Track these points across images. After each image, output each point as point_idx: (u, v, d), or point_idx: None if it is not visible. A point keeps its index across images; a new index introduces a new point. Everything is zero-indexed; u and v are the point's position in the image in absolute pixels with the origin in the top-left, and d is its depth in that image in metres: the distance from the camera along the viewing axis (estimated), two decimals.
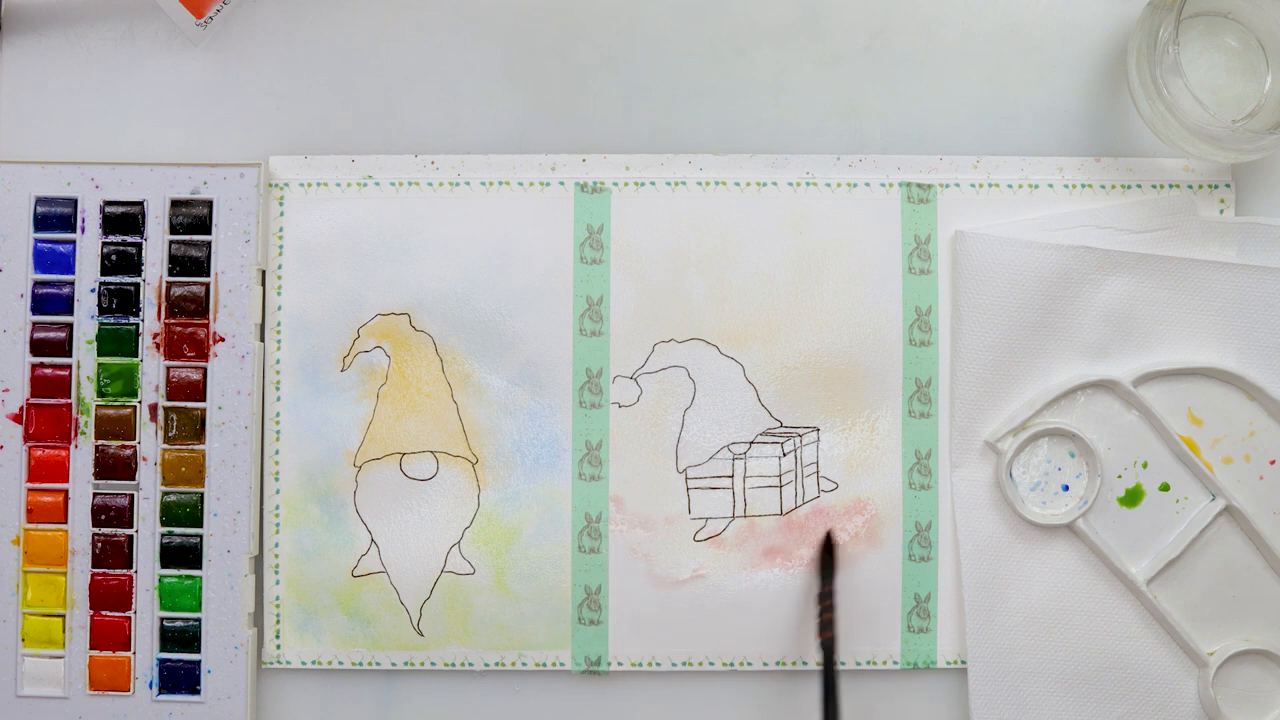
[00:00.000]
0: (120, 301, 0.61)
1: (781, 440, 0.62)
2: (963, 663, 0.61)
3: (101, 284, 0.61)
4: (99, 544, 0.61)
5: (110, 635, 0.61)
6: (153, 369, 0.61)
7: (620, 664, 0.61)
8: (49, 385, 0.61)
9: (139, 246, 0.61)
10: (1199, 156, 0.60)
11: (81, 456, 0.61)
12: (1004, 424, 0.61)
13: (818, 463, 0.62)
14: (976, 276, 0.61)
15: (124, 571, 0.61)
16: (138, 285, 0.61)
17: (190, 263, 0.61)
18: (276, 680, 0.62)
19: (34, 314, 0.61)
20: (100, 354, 0.61)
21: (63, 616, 0.61)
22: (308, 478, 0.62)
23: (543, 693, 0.62)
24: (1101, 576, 0.61)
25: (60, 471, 0.61)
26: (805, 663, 0.61)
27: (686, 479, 0.62)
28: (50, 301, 0.61)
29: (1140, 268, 0.61)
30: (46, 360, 0.61)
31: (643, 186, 0.62)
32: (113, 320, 0.61)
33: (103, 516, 0.61)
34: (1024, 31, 0.63)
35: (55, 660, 0.61)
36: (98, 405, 0.61)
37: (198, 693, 0.61)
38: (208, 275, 0.61)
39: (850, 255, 0.62)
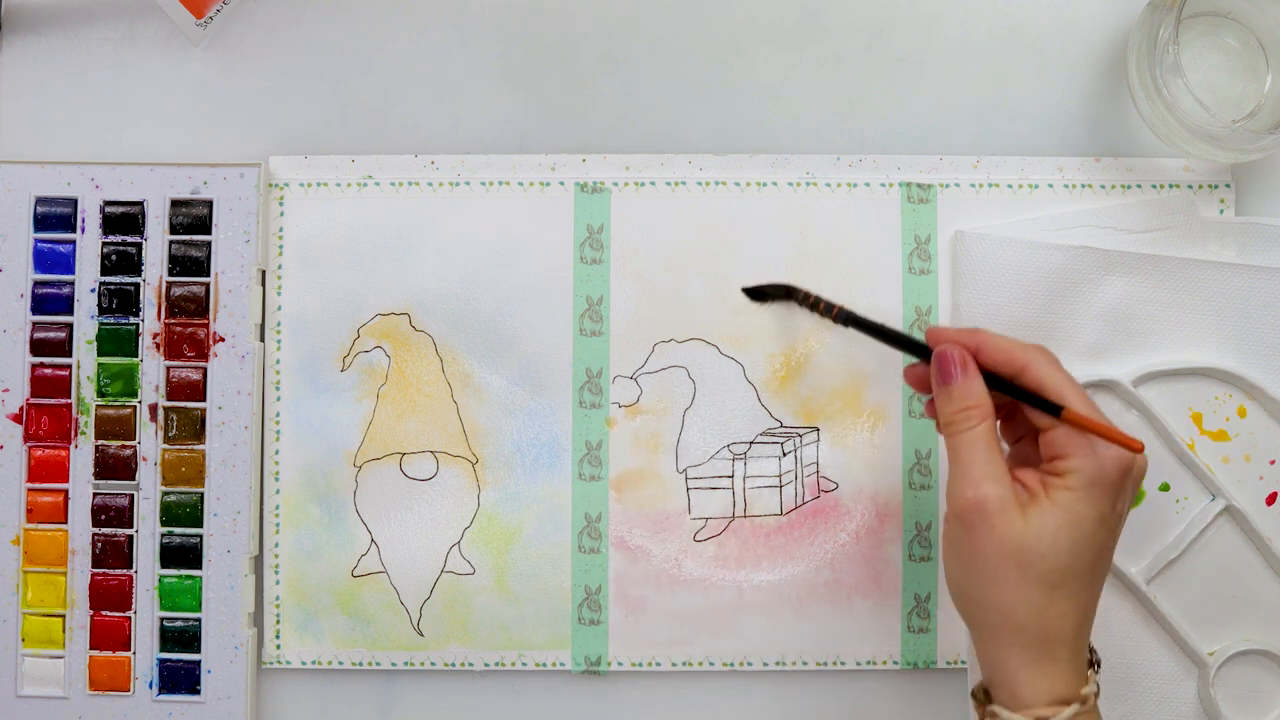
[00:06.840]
0: (120, 301, 0.61)
1: (781, 440, 0.62)
2: (963, 663, 0.61)
3: (101, 284, 0.61)
4: (99, 544, 0.61)
5: (110, 635, 0.61)
6: (153, 369, 0.61)
7: (620, 664, 0.61)
8: (49, 385, 0.61)
9: (139, 246, 0.61)
10: (1199, 156, 0.60)
11: (81, 456, 0.61)
12: None
13: (818, 463, 0.62)
14: (976, 276, 0.61)
15: (124, 571, 0.61)
16: (138, 285, 0.61)
17: (190, 263, 0.61)
18: (276, 680, 0.62)
19: (34, 314, 0.61)
20: (100, 354, 0.61)
21: (63, 616, 0.61)
22: (308, 478, 0.62)
23: (543, 693, 0.62)
24: None
25: (60, 471, 0.61)
26: (805, 663, 0.61)
27: (686, 479, 0.62)
28: (50, 301, 0.61)
29: (1140, 268, 0.61)
30: (46, 360, 0.61)
31: (643, 186, 0.62)
32: (113, 320, 0.61)
33: (103, 516, 0.61)
34: (1024, 31, 0.63)
35: (55, 660, 0.61)
36: (98, 405, 0.61)
37: (198, 693, 0.61)
38: (208, 275, 0.61)
39: (850, 255, 0.62)
